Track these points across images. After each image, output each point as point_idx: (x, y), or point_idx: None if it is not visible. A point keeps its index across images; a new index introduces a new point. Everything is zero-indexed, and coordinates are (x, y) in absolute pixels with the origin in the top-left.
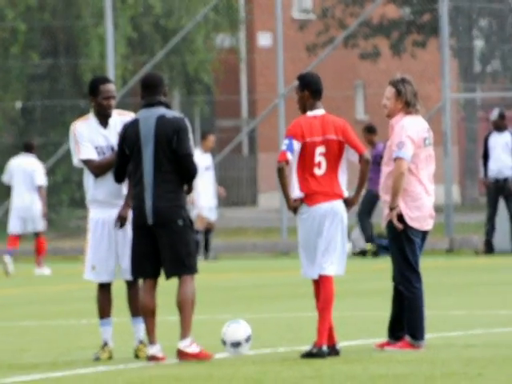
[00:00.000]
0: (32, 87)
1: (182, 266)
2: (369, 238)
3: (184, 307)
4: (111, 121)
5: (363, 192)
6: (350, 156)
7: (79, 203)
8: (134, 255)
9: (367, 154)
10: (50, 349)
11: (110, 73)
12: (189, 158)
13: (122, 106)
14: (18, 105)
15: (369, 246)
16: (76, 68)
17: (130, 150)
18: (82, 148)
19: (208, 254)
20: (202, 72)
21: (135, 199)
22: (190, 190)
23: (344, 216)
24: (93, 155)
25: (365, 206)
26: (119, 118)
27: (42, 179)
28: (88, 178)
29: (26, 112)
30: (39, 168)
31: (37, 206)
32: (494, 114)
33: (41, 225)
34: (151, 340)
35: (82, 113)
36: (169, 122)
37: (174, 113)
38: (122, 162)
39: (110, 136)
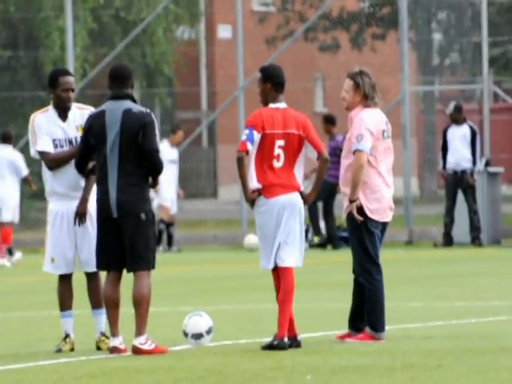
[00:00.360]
0: None
1: (140, 261)
2: (317, 230)
3: (139, 304)
4: (70, 114)
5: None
6: (308, 153)
7: (39, 195)
8: (100, 248)
9: (326, 152)
10: (11, 340)
11: (70, 64)
12: (155, 153)
13: (82, 97)
14: None
15: (316, 239)
16: (36, 60)
17: (95, 141)
18: (39, 140)
19: (171, 248)
20: (163, 64)
21: (99, 192)
22: (155, 184)
23: (301, 208)
24: (49, 148)
25: (318, 197)
26: (78, 112)
27: (25, 169)
28: (46, 170)
29: None
30: (20, 158)
31: (14, 195)
32: (450, 107)
33: (11, 216)
34: (114, 332)
35: (42, 104)
36: (135, 117)
37: (140, 107)
38: (86, 153)
39: (69, 129)
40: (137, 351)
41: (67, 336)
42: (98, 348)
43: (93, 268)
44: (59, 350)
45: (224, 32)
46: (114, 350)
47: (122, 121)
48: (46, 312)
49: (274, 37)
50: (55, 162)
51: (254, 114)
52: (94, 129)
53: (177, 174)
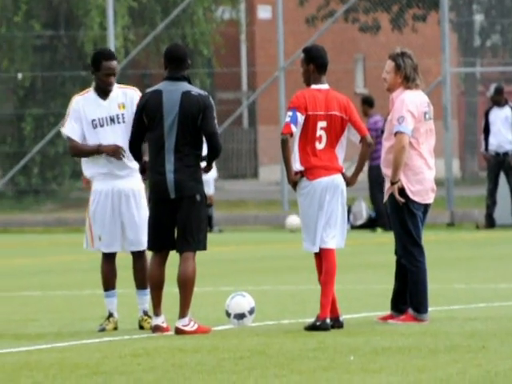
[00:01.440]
0: (33, 58)
1: (192, 242)
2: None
3: (184, 286)
4: (112, 93)
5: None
6: (351, 136)
7: (81, 175)
8: (153, 228)
9: (369, 136)
10: (54, 319)
11: (111, 44)
12: (215, 136)
13: (123, 77)
14: (19, 76)
15: (379, 231)
16: (76, 39)
17: (149, 121)
18: (68, 124)
19: (213, 229)
20: (202, 44)
21: (154, 172)
22: (209, 168)
23: (344, 189)
24: (74, 135)
25: (374, 183)
26: (120, 90)
27: None
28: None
29: (27, 83)
30: None
31: None
32: (491, 89)
33: None
34: (157, 312)
35: (82, 83)
36: (195, 99)
37: (199, 90)
38: (139, 131)
39: (110, 107)
40: (180, 333)
41: (111, 315)
42: (141, 327)
43: (139, 247)
44: (103, 330)
45: (264, 12)
46: (156, 328)
47: (181, 103)
48: (88, 291)
49: (314, 17)
50: (74, 151)
51: (296, 96)
52: (149, 108)
53: None
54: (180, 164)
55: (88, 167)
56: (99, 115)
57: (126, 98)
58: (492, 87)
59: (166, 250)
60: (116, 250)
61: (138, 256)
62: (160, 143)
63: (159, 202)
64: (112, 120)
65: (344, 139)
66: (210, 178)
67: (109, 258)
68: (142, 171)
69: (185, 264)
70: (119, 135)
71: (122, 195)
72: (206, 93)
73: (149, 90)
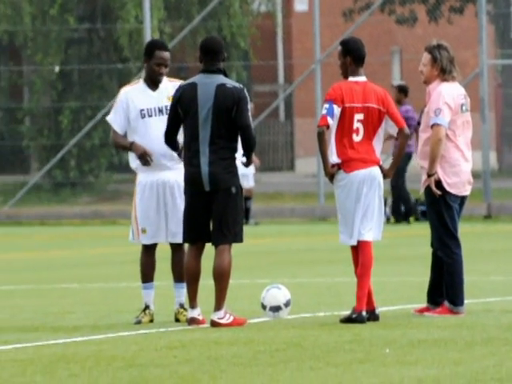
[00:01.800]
0: (70, 51)
1: (228, 234)
2: (410, 209)
3: (220, 279)
4: (161, 84)
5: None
6: (388, 128)
7: (117, 167)
8: (188, 221)
9: (406, 128)
10: (91, 311)
11: (147, 37)
12: (249, 128)
13: None
14: (56, 68)
15: (412, 221)
16: (113, 32)
17: (184, 113)
18: (114, 113)
19: (249, 221)
20: (239, 37)
21: (189, 165)
22: (249, 162)
23: (381, 181)
24: (115, 125)
25: (399, 175)
26: (170, 83)
27: None
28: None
29: (63, 76)
30: None
31: None
32: None
33: None
34: (192, 304)
35: (119, 76)
36: (229, 92)
37: (233, 82)
38: (175, 123)
39: (159, 98)
40: (215, 325)
41: (147, 307)
42: (177, 320)
43: (180, 239)
44: (139, 322)
45: (301, 5)
46: (191, 321)
47: (216, 95)
48: (124, 284)
49: (350, 9)
50: (115, 141)
51: (333, 88)
52: (184, 100)
53: None
54: (215, 157)
55: (133, 158)
56: (148, 105)
57: (174, 90)
58: None
59: (202, 242)
60: (159, 242)
61: (176, 248)
62: (195, 136)
63: (194, 194)
64: (160, 111)
65: (381, 131)
66: (249, 172)
67: (149, 250)
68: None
69: (220, 257)
70: (164, 127)
71: (166, 186)
72: (241, 85)
73: (184, 82)
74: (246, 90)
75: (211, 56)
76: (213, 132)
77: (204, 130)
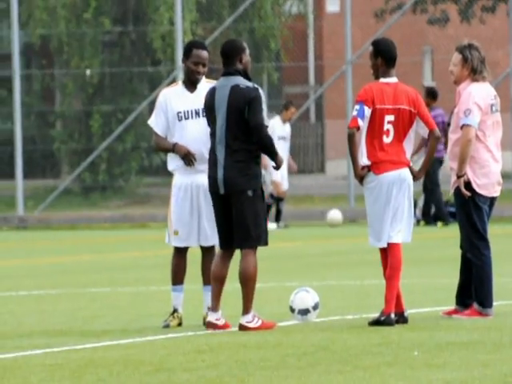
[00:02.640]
0: (102, 55)
1: (249, 238)
2: (440, 214)
3: (245, 283)
4: (200, 85)
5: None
6: (419, 129)
7: (148, 171)
8: (217, 226)
9: (437, 130)
10: (120, 315)
11: (179, 39)
12: (260, 127)
13: None
14: (88, 72)
15: (440, 226)
16: (145, 35)
17: (208, 118)
18: (154, 116)
19: (279, 224)
20: (270, 38)
21: (209, 168)
22: (277, 165)
23: (411, 183)
24: (157, 128)
25: (433, 177)
26: (208, 84)
27: None
28: None
29: (95, 79)
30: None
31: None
32: None
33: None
34: (213, 306)
35: (150, 80)
36: (241, 92)
37: (248, 83)
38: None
39: (196, 100)
40: (243, 329)
41: (175, 311)
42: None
43: (211, 242)
44: (167, 326)
45: (332, 5)
46: (209, 325)
47: (229, 96)
48: (154, 287)
49: (382, 10)
50: (158, 144)
51: (364, 89)
52: (206, 106)
53: (287, 151)
54: (229, 159)
55: (171, 161)
56: (185, 108)
57: None
58: None
59: (226, 246)
60: (191, 245)
61: (207, 252)
62: (213, 139)
63: (214, 198)
64: (197, 113)
65: (412, 133)
66: (284, 174)
67: (180, 253)
68: None
69: (245, 260)
70: (204, 128)
71: (200, 189)
72: (256, 85)
73: (208, 88)
74: (260, 90)
75: (226, 59)
76: (228, 134)
77: (221, 132)
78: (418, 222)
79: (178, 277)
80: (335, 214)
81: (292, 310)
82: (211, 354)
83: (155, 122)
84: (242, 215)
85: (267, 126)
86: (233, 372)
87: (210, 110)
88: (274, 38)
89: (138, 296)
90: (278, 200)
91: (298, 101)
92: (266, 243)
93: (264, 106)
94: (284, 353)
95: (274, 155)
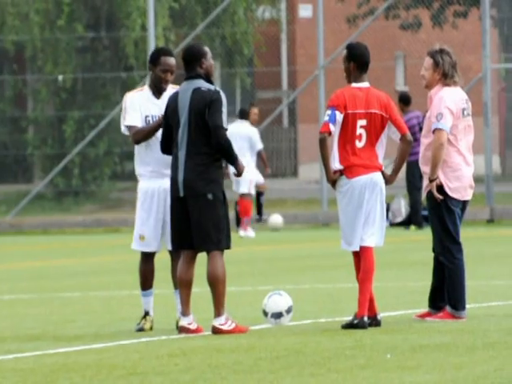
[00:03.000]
0: (74, 60)
1: (209, 241)
2: (415, 218)
3: (215, 285)
4: (166, 92)
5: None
6: (391, 134)
7: (120, 176)
8: (172, 227)
9: (409, 134)
10: (92, 320)
11: (151, 45)
12: (218, 129)
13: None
14: (60, 78)
15: (413, 229)
16: (117, 41)
17: (171, 122)
18: (128, 115)
19: (261, 217)
20: (243, 44)
21: (171, 171)
22: (238, 171)
23: (383, 187)
24: (137, 123)
25: (413, 181)
26: (173, 91)
27: (260, 144)
28: (139, 150)
29: (68, 85)
30: (256, 133)
31: (250, 169)
32: None
33: (247, 188)
34: (184, 311)
35: (123, 85)
36: (202, 95)
37: (209, 86)
38: (167, 133)
39: (163, 106)
40: (217, 332)
41: (147, 314)
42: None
43: None
44: (140, 330)
45: (305, 11)
46: (182, 329)
47: (191, 99)
48: (126, 292)
49: (354, 15)
50: (138, 135)
51: (336, 94)
52: (169, 110)
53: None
54: (191, 163)
55: (137, 165)
56: (153, 113)
57: None
58: None
59: (187, 248)
60: (154, 250)
61: (176, 255)
62: (176, 142)
63: (174, 200)
64: None
65: (384, 137)
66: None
67: (148, 258)
68: None
69: (212, 263)
70: None
71: (167, 194)
72: (218, 89)
73: (171, 93)
74: (222, 93)
75: (187, 63)
76: (189, 137)
77: (183, 135)
78: (390, 225)
79: (146, 282)
80: (276, 219)
81: (265, 314)
82: (184, 358)
83: (132, 119)
84: (200, 218)
85: (226, 129)
86: (206, 376)
87: (173, 113)
88: (246, 43)
89: (110, 300)
90: (258, 194)
91: (271, 105)
92: (227, 247)
93: (224, 109)
94: (257, 356)
95: (232, 159)
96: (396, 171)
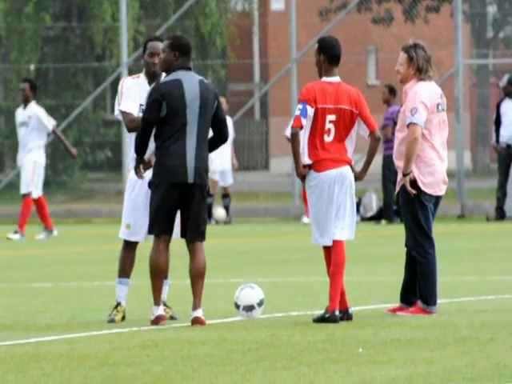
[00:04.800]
0: (45, 50)
1: (202, 232)
2: (387, 212)
3: (202, 276)
4: (160, 80)
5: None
6: (360, 130)
7: (92, 166)
8: (164, 212)
9: (378, 131)
10: (64, 310)
11: (123, 35)
12: (225, 124)
13: (134, 68)
14: (32, 67)
15: (384, 223)
16: (88, 31)
17: (171, 109)
18: (124, 101)
19: (228, 219)
20: (216, 36)
21: (174, 158)
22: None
23: (352, 181)
24: (132, 110)
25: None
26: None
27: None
28: (130, 140)
29: (39, 74)
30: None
31: None
32: (504, 80)
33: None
34: (159, 301)
35: (94, 75)
36: (209, 87)
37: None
38: (156, 120)
39: None
40: (200, 322)
41: (119, 304)
42: None
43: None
44: (112, 320)
45: (277, 4)
46: (160, 319)
47: (201, 90)
48: (97, 282)
49: (327, 9)
50: (134, 123)
51: (306, 88)
52: (172, 97)
53: (229, 146)
54: (200, 151)
55: (128, 155)
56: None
57: None
58: (505, 78)
59: (170, 235)
60: (140, 240)
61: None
62: (182, 130)
63: (172, 185)
64: None
65: (354, 132)
66: (227, 169)
67: (129, 247)
68: (139, 164)
69: (201, 255)
70: None
71: None
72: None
73: (166, 79)
74: None
75: (186, 54)
76: (200, 126)
77: (192, 124)
78: (361, 220)
79: (125, 270)
80: (219, 212)
81: (237, 307)
82: (156, 350)
83: (128, 105)
84: (200, 208)
85: None
86: (178, 367)
87: (179, 99)
88: (219, 35)
89: (81, 291)
90: (224, 196)
91: (243, 98)
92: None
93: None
94: (229, 349)
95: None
96: (365, 167)
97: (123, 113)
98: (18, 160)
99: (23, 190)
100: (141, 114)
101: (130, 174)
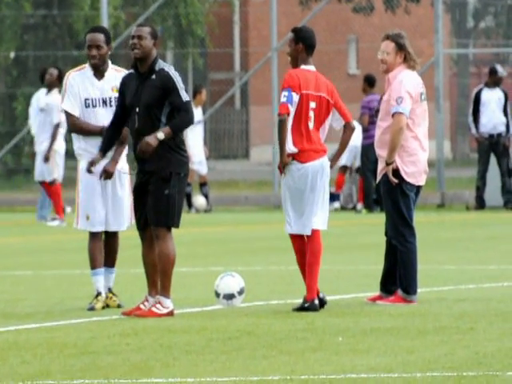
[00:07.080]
0: (25, 37)
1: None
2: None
3: (173, 264)
4: (107, 74)
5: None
6: (333, 121)
7: (72, 154)
8: (181, 203)
9: (353, 122)
10: (44, 298)
11: (104, 23)
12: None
13: (115, 57)
14: (11, 54)
15: (364, 212)
16: (69, 19)
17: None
18: (66, 99)
19: (209, 207)
20: (196, 24)
21: (184, 150)
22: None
23: (329, 171)
24: (73, 110)
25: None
26: (115, 73)
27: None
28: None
29: (18, 62)
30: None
31: None
32: (501, 71)
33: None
34: (153, 294)
35: (74, 63)
36: (168, 75)
37: (166, 64)
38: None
39: (104, 88)
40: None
41: (99, 294)
42: (107, 306)
43: (119, 228)
44: (92, 308)
45: None
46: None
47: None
48: (78, 271)
49: None
50: (75, 128)
51: (290, 75)
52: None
53: (203, 135)
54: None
55: (78, 145)
56: (92, 95)
57: (118, 81)
58: (498, 67)
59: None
60: (100, 230)
61: (113, 235)
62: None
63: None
64: (104, 102)
65: (327, 123)
66: (203, 158)
67: (96, 237)
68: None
69: (171, 242)
70: (110, 118)
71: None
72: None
73: (126, 72)
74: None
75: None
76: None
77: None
78: (341, 209)
79: (95, 261)
80: (199, 200)
81: (217, 295)
82: (136, 338)
83: (70, 105)
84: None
85: None
86: (158, 356)
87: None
88: (199, 24)
89: (61, 279)
90: (202, 185)
91: (223, 87)
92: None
93: None
94: (209, 337)
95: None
96: (337, 157)
97: (66, 112)
98: (37, 146)
99: (47, 178)
100: (89, 109)
101: (80, 164)
